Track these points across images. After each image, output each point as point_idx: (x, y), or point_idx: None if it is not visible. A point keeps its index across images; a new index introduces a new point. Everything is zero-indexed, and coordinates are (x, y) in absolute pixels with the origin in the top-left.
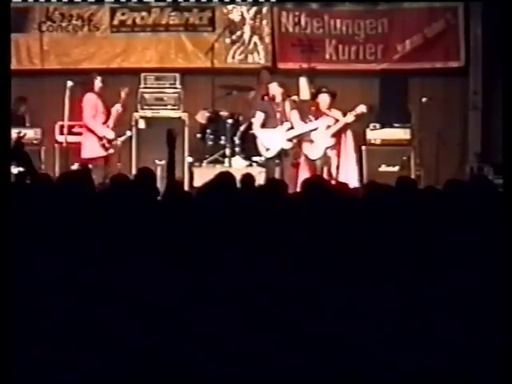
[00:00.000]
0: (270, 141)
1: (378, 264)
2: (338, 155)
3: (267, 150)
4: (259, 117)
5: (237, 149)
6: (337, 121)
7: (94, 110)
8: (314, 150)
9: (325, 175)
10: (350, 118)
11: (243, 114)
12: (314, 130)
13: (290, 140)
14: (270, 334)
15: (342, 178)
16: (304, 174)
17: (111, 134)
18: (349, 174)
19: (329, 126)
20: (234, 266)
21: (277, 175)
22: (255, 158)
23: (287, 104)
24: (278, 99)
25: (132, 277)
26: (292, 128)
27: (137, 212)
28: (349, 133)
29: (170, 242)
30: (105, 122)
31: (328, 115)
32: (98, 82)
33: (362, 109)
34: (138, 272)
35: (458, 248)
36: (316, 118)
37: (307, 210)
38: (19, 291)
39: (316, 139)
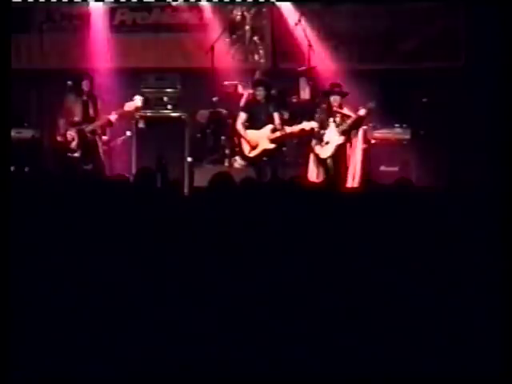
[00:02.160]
0: (254, 141)
1: (375, 263)
2: (346, 154)
3: (252, 149)
4: (242, 117)
5: (237, 149)
6: (346, 117)
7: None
8: (324, 149)
9: (333, 174)
10: (363, 111)
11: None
12: (302, 130)
13: (273, 141)
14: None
15: (350, 176)
16: (313, 173)
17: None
18: (356, 173)
19: (338, 126)
20: (234, 267)
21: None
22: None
23: (271, 106)
24: (262, 101)
25: (132, 277)
26: (277, 130)
27: (136, 211)
28: (360, 131)
29: (171, 242)
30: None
31: (340, 113)
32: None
33: (372, 105)
34: (137, 272)
35: (457, 247)
36: (327, 117)
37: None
38: (20, 288)
39: (327, 138)
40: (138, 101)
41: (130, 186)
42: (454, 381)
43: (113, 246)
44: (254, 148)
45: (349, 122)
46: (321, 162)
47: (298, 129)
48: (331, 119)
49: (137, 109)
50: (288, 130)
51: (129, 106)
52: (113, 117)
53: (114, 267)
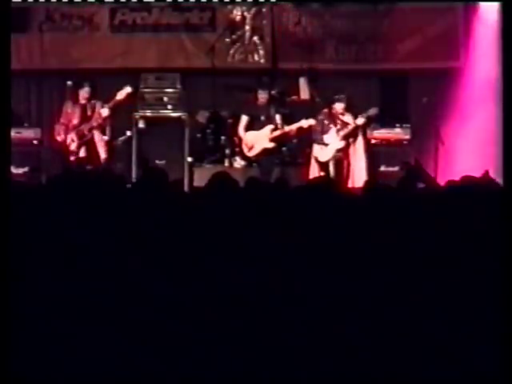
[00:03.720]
0: (253, 141)
1: (377, 265)
2: (348, 157)
3: (249, 149)
4: (243, 120)
5: (237, 149)
6: (347, 124)
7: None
8: (323, 152)
9: (335, 176)
10: (361, 120)
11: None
12: (300, 128)
13: (273, 140)
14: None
15: (351, 180)
16: (314, 175)
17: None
18: (358, 176)
19: (339, 131)
20: (234, 267)
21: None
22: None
23: (272, 107)
24: (264, 104)
25: (131, 277)
26: (276, 129)
27: (143, 212)
28: (360, 135)
29: (171, 242)
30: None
31: (340, 119)
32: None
33: (373, 111)
34: (137, 272)
35: (458, 249)
36: (329, 122)
37: (309, 211)
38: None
39: (327, 141)
40: (127, 88)
41: (136, 185)
42: (454, 382)
43: (114, 245)
44: (251, 148)
45: (350, 127)
46: (321, 165)
47: (296, 126)
48: (332, 124)
49: (128, 95)
50: (286, 128)
51: (120, 94)
52: (105, 111)
53: (114, 267)
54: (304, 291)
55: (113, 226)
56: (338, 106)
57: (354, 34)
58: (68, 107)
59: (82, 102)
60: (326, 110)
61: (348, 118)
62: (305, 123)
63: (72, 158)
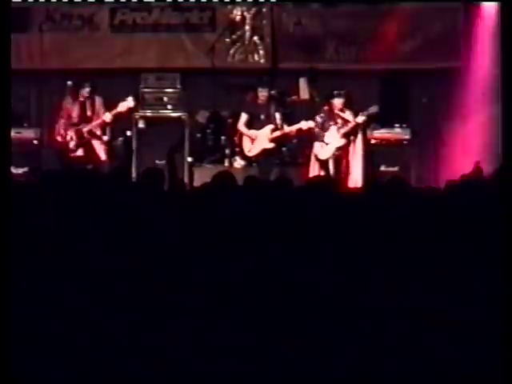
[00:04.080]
0: (253, 137)
1: (376, 267)
2: (347, 156)
3: (252, 141)
4: (243, 118)
5: (237, 149)
6: (347, 122)
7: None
8: (323, 150)
9: (334, 175)
10: (361, 118)
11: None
12: (299, 130)
13: (272, 140)
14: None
15: (350, 178)
16: (314, 173)
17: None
18: (356, 176)
19: (339, 128)
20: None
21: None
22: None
23: (272, 106)
24: (264, 102)
25: (132, 276)
26: (276, 129)
27: (143, 212)
28: (359, 134)
29: (172, 242)
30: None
31: (340, 116)
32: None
33: (374, 109)
34: (137, 272)
35: (456, 250)
36: (328, 119)
37: (310, 210)
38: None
39: (327, 140)
40: (130, 101)
41: (137, 185)
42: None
43: (115, 244)
44: (252, 141)
45: (350, 125)
46: (321, 163)
47: (296, 128)
48: (332, 122)
49: (129, 109)
50: (286, 129)
51: (122, 106)
52: (107, 117)
53: (115, 266)
54: (304, 290)
55: (112, 224)
56: (337, 102)
57: (354, 34)
58: (68, 103)
59: (81, 99)
60: (326, 108)
61: (348, 115)
62: (304, 125)
63: (71, 155)
